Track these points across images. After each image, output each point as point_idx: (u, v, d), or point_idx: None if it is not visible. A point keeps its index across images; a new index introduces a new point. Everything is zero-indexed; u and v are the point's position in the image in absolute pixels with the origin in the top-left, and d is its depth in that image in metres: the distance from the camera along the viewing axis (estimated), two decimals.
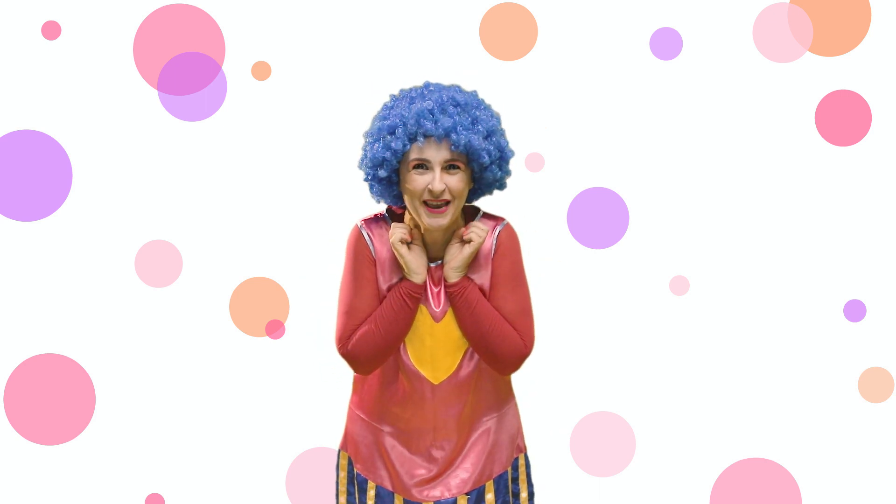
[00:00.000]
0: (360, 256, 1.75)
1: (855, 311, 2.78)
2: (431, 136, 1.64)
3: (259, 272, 2.73)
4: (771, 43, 2.69)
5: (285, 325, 2.73)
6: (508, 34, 2.71)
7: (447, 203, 1.65)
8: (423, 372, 1.78)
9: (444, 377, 1.78)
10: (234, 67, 2.72)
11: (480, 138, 1.65)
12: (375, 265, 1.76)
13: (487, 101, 1.76)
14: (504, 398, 1.90)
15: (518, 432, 1.94)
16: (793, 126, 2.76)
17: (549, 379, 2.71)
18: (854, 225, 2.79)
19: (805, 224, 2.80)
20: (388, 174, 1.69)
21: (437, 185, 1.63)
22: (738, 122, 2.80)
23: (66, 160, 2.66)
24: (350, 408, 1.92)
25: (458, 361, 1.78)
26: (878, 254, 2.78)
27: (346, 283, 1.77)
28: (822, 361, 2.80)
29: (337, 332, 1.76)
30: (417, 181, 1.65)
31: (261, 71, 2.76)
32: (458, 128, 1.63)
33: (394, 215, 1.81)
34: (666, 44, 2.74)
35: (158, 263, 2.70)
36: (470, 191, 1.77)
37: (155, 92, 2.66)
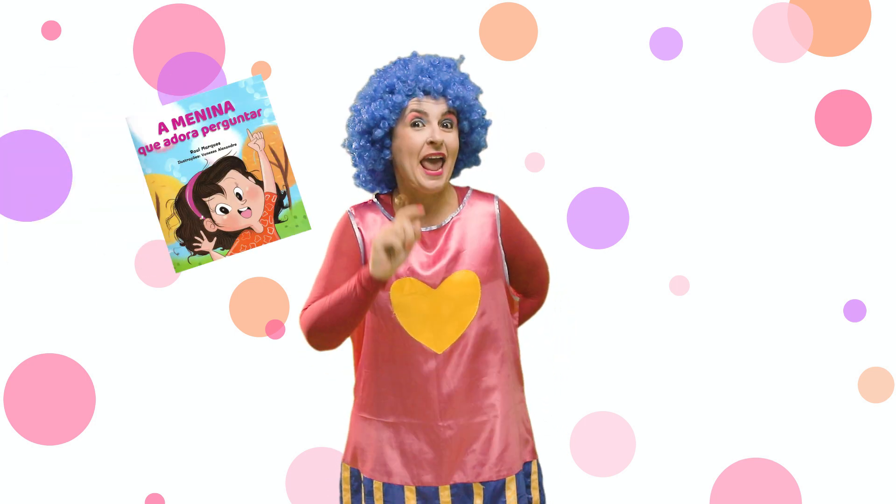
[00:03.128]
0: (344, 237, 1.80)
1: (855, 311, 2.78)
2: (430, 91, 1.71)
3: (259, 272, 2.73)
4: (771, 43, 2.69)
5: (285, 325, 2.73)
6: (508, 34, 2.71)
7: (443, 161, 1.71)
8: (424, 341, 1.76)
9: (448, 344, 1.77)
10: (234, 67, 2.71)
11: (473, 95, 1.75)
12: (358, 248, 1.79)
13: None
14: (517, 381, 1.90)
15: (530, 433, 1.92)
16: (793, 126, 2.76)
17: (549, 379, 2.72)
18: (854, 225, 2.79)
19: (805, 224, 2.80)
20: (383, 134, 1.73)
21: (438, 136, 1.69)
22: (738, 122, 2.80)
23: (66, 160, 2.66)
24: (353, 413, 1.91)
25: (465, 328, 1.77)
26: (878, 254, 2.78)
27: (327, 258, 1.81)
28: (822, 361, 2.80)
29: (307, 301, 1.77)
30: (415, 136, 1.70)
31: (261, 71, 2.76)
32: (454, 82, 1.72)
33: (381, 200, 1.84)
34: (666, 44, 2.74)
35: (158, 263, 2.70)
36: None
37: (155, 92, 2.66)
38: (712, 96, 2.79)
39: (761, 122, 2.79)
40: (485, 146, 1.85)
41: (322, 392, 2.61)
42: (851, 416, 2.77)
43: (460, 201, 1.83)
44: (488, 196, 1.85)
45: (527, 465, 1.88)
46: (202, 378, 2.79)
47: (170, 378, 2.79)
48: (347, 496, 1.90)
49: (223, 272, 2.75)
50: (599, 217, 2.73)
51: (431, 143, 1.69)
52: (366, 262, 1.76)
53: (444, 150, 1.71)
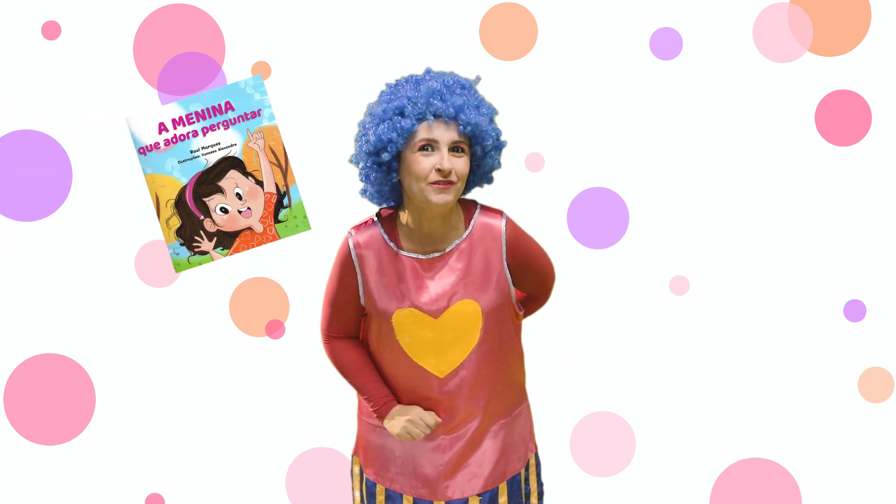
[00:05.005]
0: (345, 266, 1.79)
1: (855, 311, 2.78)
2: (441, 115, 1.63)
3: (259, 272, 2.73)
4: (771, 43, 2.69)
5: (285, 325, 2.73)
6: (508, 34, 2.71)
7: (452, 184, 1.65)
8: (426, 366, 1.78)
9: (450, 370, 1.78)
10: (234, 67, 2.71)
11: (486, 120, 1.66)
12: (356, 285, 1.78)
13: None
14: (518, 400, 1.91)
15: (531, 434, 1.94)
16: (793, 126, 2.76)
17: (550, 379, 2.71)
18: (854, 225, 2.79)
19: (805, 224, 2.80)
20: (391, 158, 1.67)
21: (447, 164, 1.63)
22: (738, 122, 2.79)
23: (66, 160, 2.66)
24: (358, 414, 1.93)
25: (466, 355, 1.78)
26: (878, 254, 2.78)
27: (331, 281, 1.82)
28: (822, 361, 2.80)
29: (322, 320, 1.86)
30: (423, 162, 1.64)
31: (261, 71, 2.76)
32: (467, 108, 1.63)
33: (383, 220, 1.79)
34: (666, 44, 2.74)
35: (158, 263, 2.70)
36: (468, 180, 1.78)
37: (155, 92, 2.66)
38: (712, 96, 2.79)
39: (761, 122, 2.79)
40: (498, 167, 1.78)
41: (322, 392, 2.61)
42: (851, 416, 2.77)
43: (467, 223, 1.77)
44: (496, 214, 1.79)
45: (514, 478, 1.89)
46: (202, 378, 2.79)
47: (170, 378, 2.79)
48: (358, 486, 1.91)
49: (223, 272, 2.75)
50: (599, 217, 2.73)
51: (439, 170, 1.63)
52: (365, 295, 1.78)
53: (452, 178, 1.64)
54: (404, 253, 1.75)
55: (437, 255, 1.75)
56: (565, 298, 2.76)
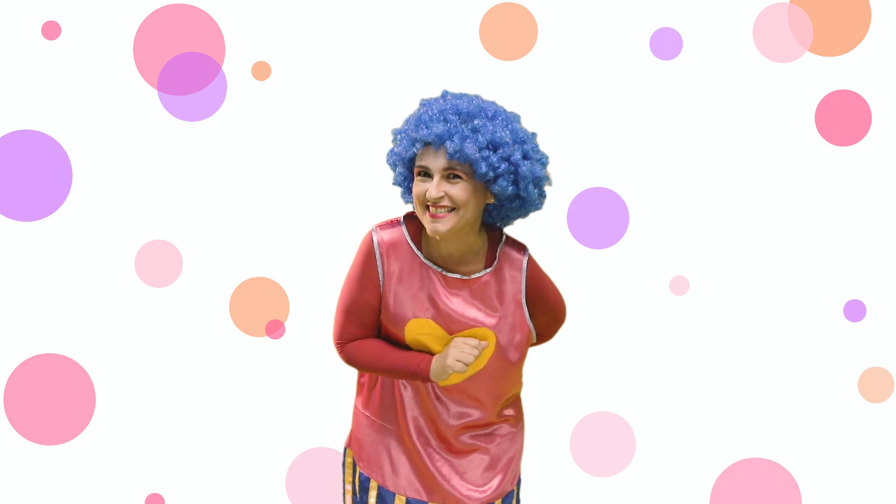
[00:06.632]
0: (368, 264, 1.73)
1: (855, 311, 2.78)
2: (429, 142, 1.62)
3: (259, 272, 2.73)
4: (771, 43, 2.69)
5: (285, 325, 2.73)
6: (508, 34, 2.71)
7: (450, 210, 1.62)
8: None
9: (450, 382, 1.78)
10: (234, 67, 2.72)
11: (476, 147, 1.59)
12: (378, 282, 1.73)
13: (515, 116, 1.71)
14: (516, 420, 1.91)
15: (518, 463, 1.94)
16: (793, 126, 2.77)
17: (550, 379, 2.72)
18: (854, 225, 2.80)
19: (805, 224, 2.80)
20: (404, 175, 1.72)
21: (433, 192, 1.61)
22: (738, 122, 2.80)
23: (66, 160, 2.66)
24: (355, 407, 1.92)
25: (471, 373, 1.77)
26: (878, 254, 2.78)
27: (350, 282, 1.76)
28: (822, 361, 2.80)
29: (335, 329, 1.78)
30: (418, 187, 1.64)
31: (261, 71, 2.76)
32: (454, 135, 1.59)
33: (409, 223, 1.76)
34: (666, 44, 2.74)
35: (158, 263, 2.70)
36: (493, 208, 1.73)
37: (155, 92, 2.66)
38: (712, 96, 2.79)
39: (761, 122, 2.79)
40: (528, 195, 1.69)
41: (322, 392, 2.61)
42: (851, 416, 2.78)
43: (491, 254, 1.75)
44: (519, 251, 1.77)
45: (508, 495, 1.89)
46: (202, 378, 2.79)
47: (170, 378, 2.79)
48: (350, 480, 1.91)
49: (223, 272, 2.76)
50: (599, 217, 2.73)
51: (427, 198, 1.62)
52: (385, 290, 1.73)
53: (445, 203, 1.62)
54: (428, 262, 1.73)
55: (459, 277, 1.73)
56: (566, 299, 2.77)
